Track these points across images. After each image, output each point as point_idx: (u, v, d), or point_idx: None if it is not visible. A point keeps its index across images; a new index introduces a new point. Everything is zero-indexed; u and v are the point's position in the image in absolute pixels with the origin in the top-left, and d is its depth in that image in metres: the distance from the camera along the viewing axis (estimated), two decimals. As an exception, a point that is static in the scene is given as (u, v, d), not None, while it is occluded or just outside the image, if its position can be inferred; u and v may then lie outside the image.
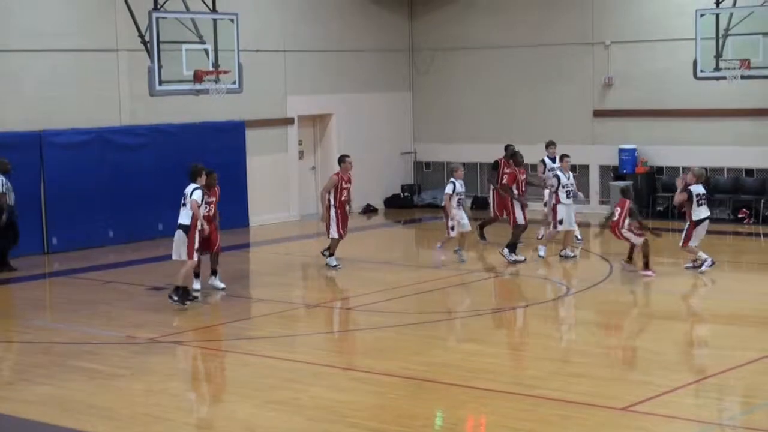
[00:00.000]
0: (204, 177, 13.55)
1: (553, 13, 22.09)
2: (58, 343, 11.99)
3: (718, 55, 16.91)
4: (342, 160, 15.92)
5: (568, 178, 16.14)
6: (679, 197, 14.85)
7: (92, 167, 18.05)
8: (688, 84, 18.86)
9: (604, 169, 21.72)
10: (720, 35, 16.91)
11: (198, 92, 15.16)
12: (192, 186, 13.38)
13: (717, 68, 16.94)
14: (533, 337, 12.08)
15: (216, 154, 19.60)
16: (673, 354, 11.29)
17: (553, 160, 17.97)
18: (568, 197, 16.02)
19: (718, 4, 17.15)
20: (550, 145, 18.18)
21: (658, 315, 13.29)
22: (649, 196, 20.90)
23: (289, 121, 21.47)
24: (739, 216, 20.15)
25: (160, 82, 14.49)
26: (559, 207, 15.92)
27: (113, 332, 12.14)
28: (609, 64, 21.53)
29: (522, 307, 13.39)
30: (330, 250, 15.74)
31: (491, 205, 17.92)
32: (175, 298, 13.17)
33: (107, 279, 15.51)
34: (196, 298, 13.56)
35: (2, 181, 15.75)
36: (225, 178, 19.75)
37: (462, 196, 15.97)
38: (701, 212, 14.70)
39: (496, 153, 22.71)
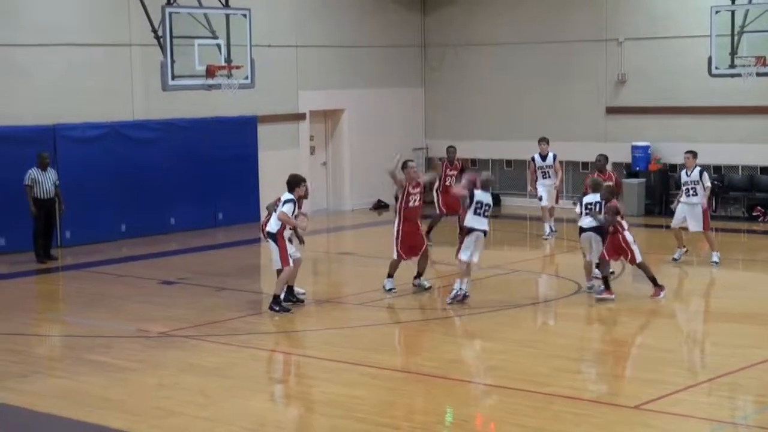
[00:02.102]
0: (303, 188, 12.63)
1: (567, 9, 22.01)
2: (71, 336, 12.05)
3: (733, 52, 16.81)
4: (404, 165, 13.69)
5: (688, 175, 15.17)
6: (458, 190, 13.01)
7: (105, 161, 18.10)
8: (702, 81, 18.77)
9: (617, 166, 21.60)
10: (735, 32, 16.81)
11: (210, 87, 15.19)
12: (286, 195, 12.57)
13: (732, 65, 16.83)
14: (544, 334, 12.05)
15: (228, 148, 19.67)
16: (685, 352, 11.26)
17: (543, 157, 17.93)
18: (687, 195, 15.16)
19: (733, 0, 17.06)
20: (540, 141, 18.13)
21: (670, 313, 13.24)
22: (663, 194, 20.81)
23: (300, 117, 21.47)
24: (754, 214, 20.06)
25: (173, 77, 14.53)
26: (680, 205, 15.33)
27: (125, 326, 12.18)
28: (622, 60, 21.45)
29: (532, 305, 13.35)
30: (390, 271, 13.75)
31: (436, 203, 17.53)
32: (276, 308, 12.58)
33: (120, 273, 15.55)
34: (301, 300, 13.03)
35: (30, 173, 16.04)
36: (236, 173, 19.98)
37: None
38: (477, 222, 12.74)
39: (509, 150, 22.78)
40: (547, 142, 18.16)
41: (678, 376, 10.09)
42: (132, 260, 16.68)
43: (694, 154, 15.46)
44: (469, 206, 12.63)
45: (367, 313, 13.00)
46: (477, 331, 12.22)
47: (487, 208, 12.76)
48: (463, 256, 12.69)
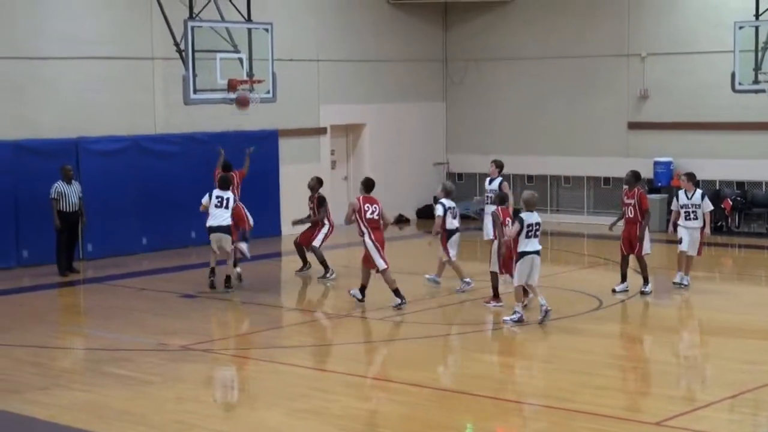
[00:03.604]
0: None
1: (589, 24, 21.98)
2: (91, 349, 12.08)
3: (757, 68, 16.71)
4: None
5: (689, 198, 14.61)
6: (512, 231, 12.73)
7: (127, 175, 18.19)
8: (725, 96, 18.66)
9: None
10: (759, 47, 16.71)
11: (232, 101, 15.23)
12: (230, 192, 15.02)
13: (756, 81, 16.73)
14: (564, 350, 11.96)
15: (249, 162, 19.68)
16: (707, 368, 11.16)
17: (490, 181, 16.25)
18: (687, 218, 14.59)
19: (757, 16, 16.96)
20: (491, 162, 16.40)
21: (692, 329, 13.15)
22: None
23: (321, 131, 21.51)
24: (777, 230, 19.89)
25: (195, 91, 14.59)
26: (678, 228, 14.70)
27: (146, 339, 12.20)
28: (645, 75, 21.37)
29: (553, 320, 13.26)
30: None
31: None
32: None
33: (141, 286, 15.60)
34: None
35: (56, 187, 16.13)
36: (258, 187, 20.00)
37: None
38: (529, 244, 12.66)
39: (531, 165, 22.71)
40: (498, 165, 16.27)
41: (700, 393, 10.01)
42: (153, 273, 16.73)
43: (690, 176, 14.83)
44: (520, 231, 12.53)
45: (387, 328, 12.97)
46: (498, 346, 12.16)
47: (537, 227, 12.66)
48: (522, 281, 12.64)
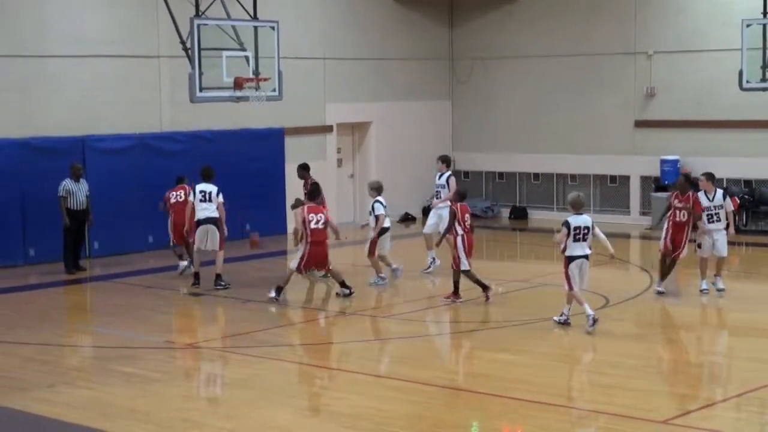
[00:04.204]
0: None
1: (595, 22, 21.94)
2: (98, 347, 12.10)
3: (765, 66, 16.65)
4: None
5: (711, 200, 14.09)
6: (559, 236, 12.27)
7: (133, 173, 18.20)
8: (732, 94, 18.60)
9: (645, 180, 21.51)
10: (766, 45, 16.65)
11: (238, 99, 15.25)
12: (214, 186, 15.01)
13: (763, 79, 16.67)
14: (571, 348, 11.95)
15: (255, 161, 19.73)
16: (714, 367, 11.13)
17: (440, 176, 16.02)
18: (710, 221, 14.03)
19: (765, 14, 16.91)
20: (438, 159, 16.47)
21: (699, 327, 13.11)
22: (691, 207, 20.60)
23: (327, 129, 21.51)
24: (784, 229, 19.82)
25: (201, 89, 14.61)
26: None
27: (152, 337, 12.22)
28: (651, 73, 21.32)
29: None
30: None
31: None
32: (222, 284, 14.89)
33: (147, 284, 15.62)
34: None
35: (64, 185, 16.16)
36: (264, 185, 20.02)
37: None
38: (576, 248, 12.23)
39: (537, 163, 22.69)
40: (444, 161, 16.13)
41: (707, 391, 9.99)
42: (159, 271, 16.74)
43: (709, 176, 14.32)
44: (568, 236, 12.11)
45: (393, 326, 12.96)
46: (505, 344, 12.13)
47: (585, 230, 12.14)
48: (575, 286, 12.27)
